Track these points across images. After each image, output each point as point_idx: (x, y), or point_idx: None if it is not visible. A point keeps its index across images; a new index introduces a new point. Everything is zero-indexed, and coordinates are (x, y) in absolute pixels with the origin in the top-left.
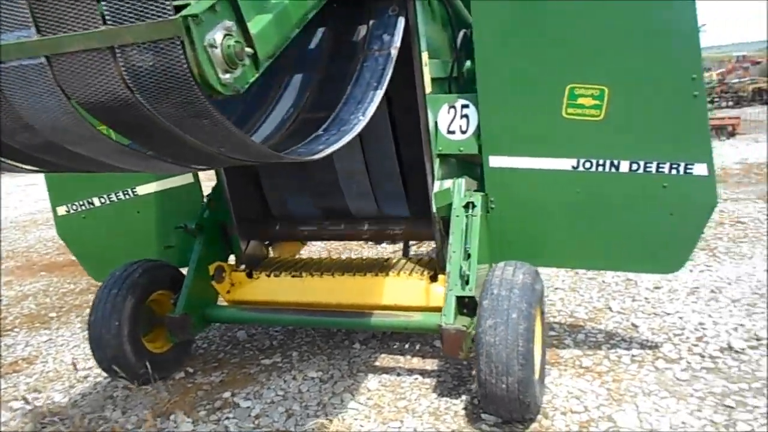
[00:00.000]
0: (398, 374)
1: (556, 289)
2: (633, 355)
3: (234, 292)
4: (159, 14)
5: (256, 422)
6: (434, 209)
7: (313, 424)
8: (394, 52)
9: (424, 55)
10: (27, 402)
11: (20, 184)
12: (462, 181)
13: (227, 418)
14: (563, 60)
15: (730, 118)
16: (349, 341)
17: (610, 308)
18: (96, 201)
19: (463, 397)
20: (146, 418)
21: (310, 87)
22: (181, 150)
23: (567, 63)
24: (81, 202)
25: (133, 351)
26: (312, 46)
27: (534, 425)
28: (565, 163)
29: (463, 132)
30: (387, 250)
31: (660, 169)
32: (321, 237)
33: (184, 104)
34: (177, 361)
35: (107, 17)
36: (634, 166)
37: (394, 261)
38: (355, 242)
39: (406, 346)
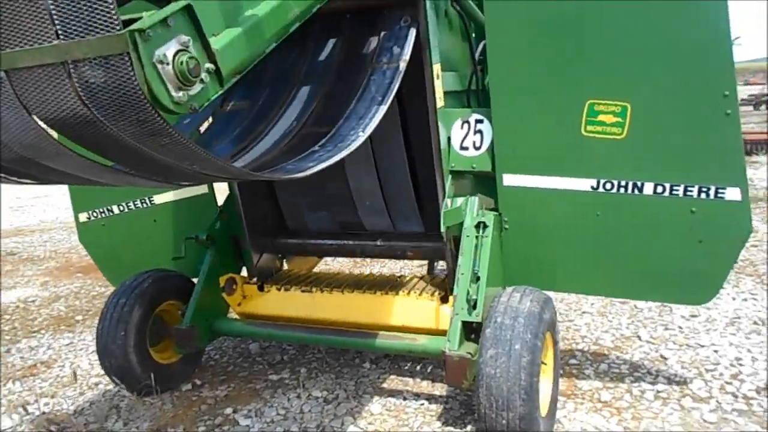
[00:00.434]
0: (404, 398)
1: (584, 313)
2: (658, 391)
3: (245, 304)
4: (108, 28)
5: None
6: (443, 228)
7: None
8: (402, 65)
9: (436, 68)
10: (26, 411)
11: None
12: (475, 200)
13: None
14: (582, 73)
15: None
16: (359, 359)
17: (638, 337)
18: (115, 209)
19: (469, 428)
20: (145, 431)
21: (316, 100)
22: (155, 167)
23: (586, 76)
24: (101, 210)
25: (138, 361)
26: (322, 58)
27: None
28: (584, 184)
29: (477, 148)
30: (409, 265)
31: (688, 193)
32: (333, 252)
33: (140, 122)
34: (185, 373)
35: (59, 32)
36: (660, 189)
37: (406, 279)
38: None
39: (418, 368)
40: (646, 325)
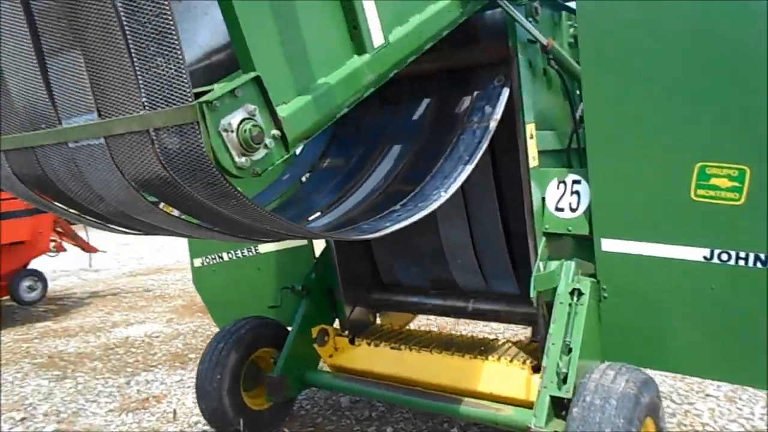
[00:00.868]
0: None
1: (707, 396)
2: None
3: (336, 356)
4: (182, 100)
5: None
6: (533, 293)
7: None
8: (493, 125)
9: (529, 127)
10: None
11: None
12: (571, 264)
13: None
14: (690, 133)
15: None
16: (448, 424)
17: None
18: (225, 256)
19: None
20: None
21: (406, 158)
22: (232, 225)
23: (695, 137)
24: (213, 256)
25: (231, 405)
26: (416, 116)
27: None
28: (696, 253)
29: (573, 210)
30: (512, 326)
31: None
32: (425, 310)
33: (210, 185)
34: (276, 420)
35: (146, 103)
36: None
37: (499, 343)
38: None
39: None
40: None
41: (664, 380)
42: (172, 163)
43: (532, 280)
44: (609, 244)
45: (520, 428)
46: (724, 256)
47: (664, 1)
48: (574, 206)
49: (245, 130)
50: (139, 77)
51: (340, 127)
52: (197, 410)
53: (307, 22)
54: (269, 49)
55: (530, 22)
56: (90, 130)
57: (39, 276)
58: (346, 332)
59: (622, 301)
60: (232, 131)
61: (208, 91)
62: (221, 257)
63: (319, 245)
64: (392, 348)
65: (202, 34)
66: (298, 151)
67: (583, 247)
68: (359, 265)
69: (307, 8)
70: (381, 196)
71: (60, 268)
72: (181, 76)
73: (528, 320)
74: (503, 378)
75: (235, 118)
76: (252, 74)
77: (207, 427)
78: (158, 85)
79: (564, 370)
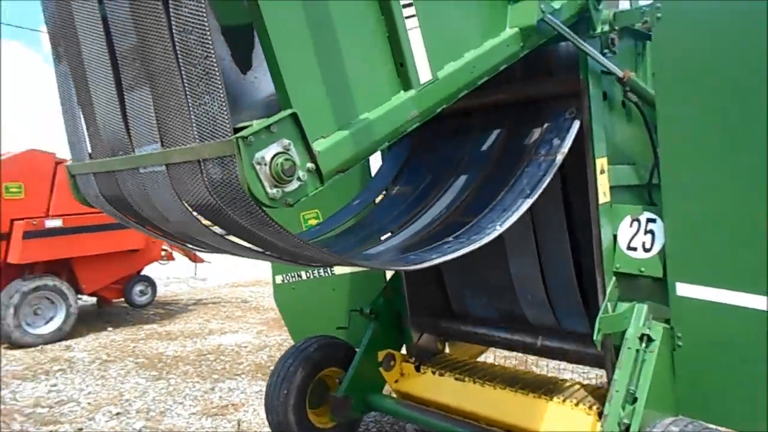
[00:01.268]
0: None
1: None
2: None
3: (401, 382)
4: (223, 134)
5: None
6: (596, 335)
7: None
8: (560, 158)
9: (600, 162)
10: None
11: None
12: (643, 307)
13: None
14: None
15: None
16: None
17: None
18: (303, 275)
19: None
20: None
21: (470, 189)
22: (278, 249)
23: None
24: (292, 274)
25: (296, 421)
26: (484, 147)
27: None
28: None
29: (647, 250)
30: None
31: None
32: (493, 343)
33: (249, 213)
34: None
35: (196, 136)
36: None
37: (567, 384)
38: None
39: None
40: None
41: None
42: (217, 191)
43: (597, 321)
44: (684, 289)
45: None
46: None
47: (743, 31)
48: (647, 246)
49: (277, 164)
50: (192, 112)
51: (413, 154)
52: (266, 423)
53: (352, 58)
54: (310, 86)
55: (606, 53)
56: (154, 158)
57: (150, 282)
58: (413, 359)
59: (699, 351)
60: (265, 164)
61: (249, 126)
62: (300, 276)
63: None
64: (457, 379)
65: None
66: (372, 176)
67: (657, 289)
68: (428, 291)
69: (352, 46)
70: (440, 226)
71: (173, 275)
72: (223, 113)
73: (599, 362)
74: (567, 421)
75: (269, 153)
76: (288, 111)
77: None
78: (205, 120)
79: (626, 421)
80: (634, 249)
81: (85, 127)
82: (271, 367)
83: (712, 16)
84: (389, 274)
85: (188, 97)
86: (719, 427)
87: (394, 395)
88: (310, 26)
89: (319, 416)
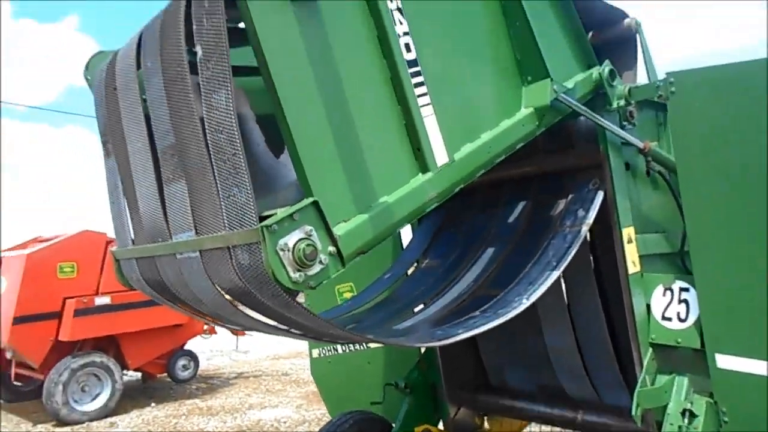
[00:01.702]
0: None
1: None
2: None
3: None
4: (250, 223)
5: None
6: (634, 410)
7: None
8: (585, 229)
9: (627, 231)
10: None
11: None
12: (684, 380)
13: None
14: None
15: None
16: None
17: None
18: (339, 348)
19: None
20: None
21: (497, 262)
22: (305, 329)
23: None
24: (329, 348)
25: None
26: (511, 219)
27: None
28: None
29: (682, 320)
30: None
31: None
32: (533, 417)
33: (274, 296)
34: None
35: (227, 224)
36: None
37: None
38: None
39: None
40: None
41: None
42: (246, 275)
43: (635, 395)
44: (725, 361)
45: None
46: None
47: (755, 98)
48: (683, 316)
49: (300, 249)
50: (222, 203)
51: (442, 227)
52: None
53: (370, 146)
54: (331, 174)
55: (626, 125)
56: (190, 244)
57: (192, 356)
58: None
59: (745, 426)
60: (288, 250)
61: (274, 215)
62: (336, 350)
63: None
64: None
65: None
66: (403, 248)
67: (697, 361)
68: (464, 364)
69: (370, 134)
70: (468, 300)
71: (216, 348)
72: (249, 203)
73: None
74: None
75: (291, 239)
76: (310, 199)
77: None
78: (234, 210)
79: None
80: (669, 319)
81: (129, 216)
82: None
83: (725, 85)
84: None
85: (219, 189)
86: None
87: None
88: (329, 119)
89: None
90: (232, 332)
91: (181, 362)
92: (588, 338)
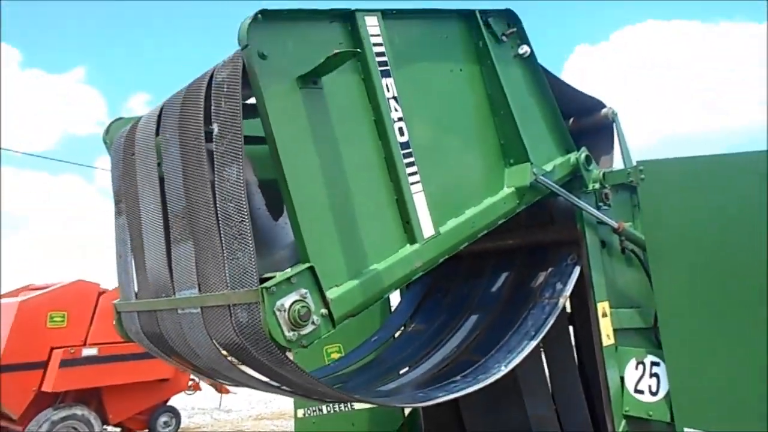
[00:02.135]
0: None
1: None
2: None
3: None
4: (250, 284)
5: None
6: None
7: None
8: (562, 301)
9: (601, 306)
10: None
11: None
12: None
13: None
14: (763, 322)
15: None
16: None
17: None
18: (324, 409)
19: None
20: None
21: (480, 329)
22: (295, 386)
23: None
24: (314, 409)
25: None
26: (494, 289)
27: None
28: None
29: (653, 393)
30: None
31: None
32: None
33: (269, 353)
34: None
35: (228, 284)
36: None
37: None
38: None
39: None
40: None
41: None
42: (243, 332)
43: None
44: None
45: None
46: None
47: (719, 188)
48: (654, 389)
49: (295, 310)
50: (226, 265)
51: (429, 294)
52: None
53: (364, 220)
54: (327, 242)
55: (601, 206)
56: (192, 301)
57: (174, 412)
58: None
59: None
60: (285, 310)
61: (273, 277)
62: (321, 410)
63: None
64: None
65: None
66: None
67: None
68: (448, 430)
69: (364, 210)
70: (450, 365)
71: (198, 405)
72: (251, 266)
73: None
74: None
75: (288, 300)
76: (306, 265)
77: None
78: (237, 272)
79: None
80: (642, 392)
81: (134, 271)
82: None
83: (691, 176)
84: (407, 410)
85: (224, 252)
86: None
87: None
88: (328, 192)
89: None
90: (217, 389)
91: (163, 418)
92: (567, 407)
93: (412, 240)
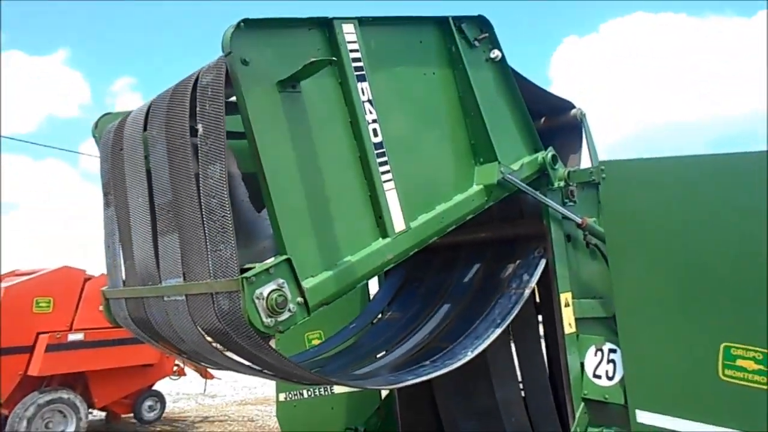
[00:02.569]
0: None
1: None
2: None
3: None
4: (232, 274)
5: None
6: None
7: None
8: (527, 292)
9: (564, 296)
10: None
11: None
12: None
13: None
14: (714, 313)
15: None
16: None
17: None
18: (305, 393)
19: None
20: None
21: (451, 317)
22: (275, 369)
23: (719, 317)
24: (295, 392)
25: None
26: (466, 279)
27: None
28: None
29: (610, 378)
30: None
31: None
32: None
33: (248, 338)
34: None
35: (212, 273)
36: None
37: None
38: None
39: None
40: None
41: None
42: (225, 319)
43: None
44: (644, 417)
45: None
46: None
47: (684, 189)
48: (610, 374)
49: (272, 298)
50: (209, 256)
51: (406, 283)
52: None
53: (339, 215)
54: (303, 235)
55: (567, 202)
56: (177, 289)
57: (160, 397)
58: None
59: None
60: (263, 299)
61: (253, 268)
62: (302, 394)
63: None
64: None
65: None
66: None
67: (622, 416)
68: (421, 414)
69: (340, 205)
70: (422, 350)
71: (183, 391)
72: (233, 258)
73: None
74: None
75: (266, 289)
76: (284, 257)
77: None
78: (219, 263)
79: None
80: (599, 377)
81: (122, 260)
82: None
83: (649, 176)
84: (384, 393)
85: (208, 244)
86: None
87: None
88: (305, 189)
89: None
90: (202, 375)
91: (148, 403)
92: (533, 391)
93: (384, 234)
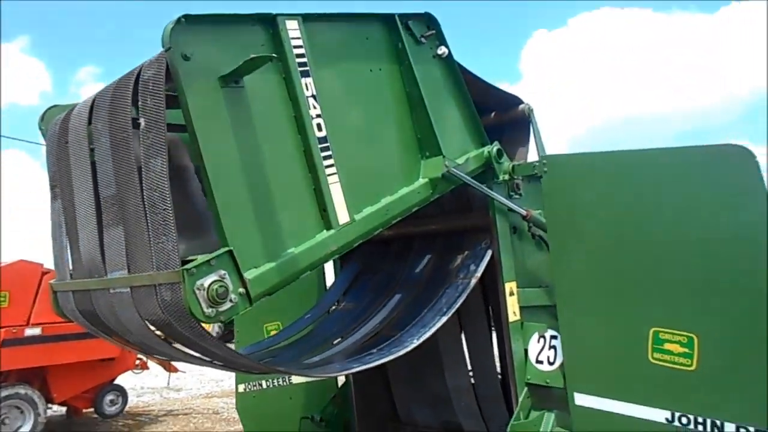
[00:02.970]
0: None
1: None
2: None
3: None
4: (173, 266)
5: None
6: None
7: None
8: (473, 281)
9: (509, 285)
10: None
11: None
12: (552, 416)
13: None
14: (643, 298)
15: None
16: None
17: None
18: (264, 383)
19: None
20: None
21: (401, 306)
22: (218, 358)
23: (647, 303)
24: (254, 383)
25: None
26: (417, 270)
27: None
28: (658, 415)
29: (551, 363)
30: None
31: None
32: None
33: (191, 328)
34: None
35: (155, 265)
36: None
37: None
38: None
39: None
40: None
41: None
42: (168, 309)
43: (509, 428)
44: (581, 399)
45: None
46: (684, 420)
47: (618, 182)
48: (551, 360)
49: (213, 289)
50: (152, 248)
51: (360, 274)
52: None
53: (282, 207)
54: (245, 227)
55: (512, 195)
56: (122, 281)
57: (121, 391)
58: None
59: None
60: (204, 289)
61: (194, 260)
62: (261, 385)
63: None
64: None
65: None
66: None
67: (562, 399)
68: (377, 401)
69: (282, 197)
70: (372, 339)
71: (147, 385)
72: (174, 250)
73: None
74: None
75: (207, 280)
76: (225, 249)
77: None
78: (161, 255)
79: None
80: (541, 362)
81: (69, 253)
82: None
83: (587, 168)
84: (341, 382)
85: (150, 237)
86: None
87: None
88: (247, 182)
89: None
90: (165, 368)
91: (109, 397)
92: (482, 378)
93: (328, 226)
